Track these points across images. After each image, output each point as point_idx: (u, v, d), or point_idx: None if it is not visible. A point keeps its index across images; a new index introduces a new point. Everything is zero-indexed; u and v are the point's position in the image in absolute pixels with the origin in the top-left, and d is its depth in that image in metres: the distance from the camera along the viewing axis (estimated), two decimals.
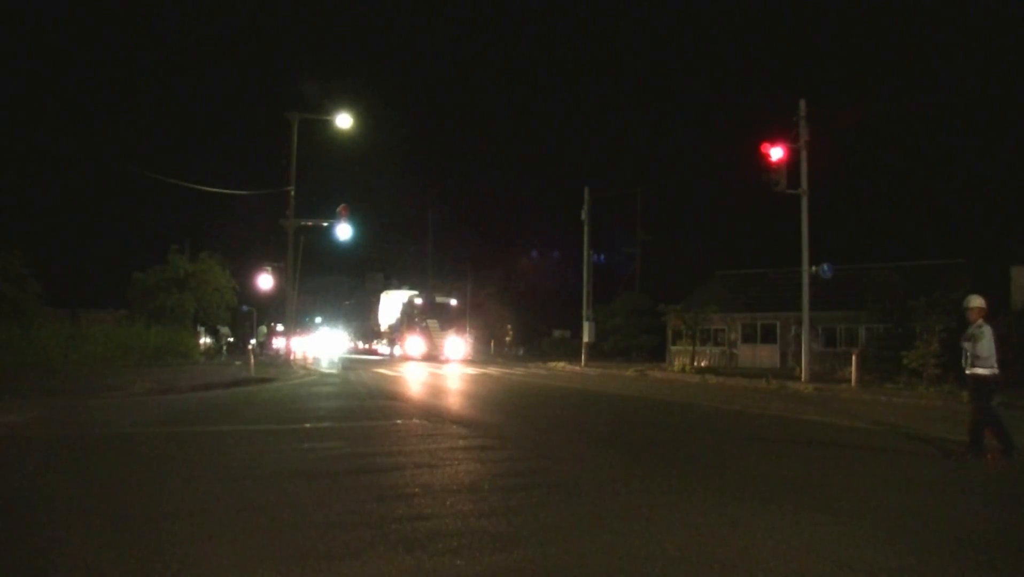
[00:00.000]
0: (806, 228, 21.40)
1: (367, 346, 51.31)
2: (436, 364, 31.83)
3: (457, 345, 36.76)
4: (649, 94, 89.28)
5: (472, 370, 27.49)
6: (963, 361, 8.39)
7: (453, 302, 40.77)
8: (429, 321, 37.97)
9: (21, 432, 9.75)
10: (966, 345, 8.30)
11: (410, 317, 39.53)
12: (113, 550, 4.50)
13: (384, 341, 46.05)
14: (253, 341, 36.87)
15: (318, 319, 74.19)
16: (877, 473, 7.54)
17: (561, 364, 32.52)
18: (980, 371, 8.20)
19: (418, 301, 40.21)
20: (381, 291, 52.40)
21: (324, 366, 30.57)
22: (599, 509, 5.64)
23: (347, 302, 61.91)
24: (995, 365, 8.19)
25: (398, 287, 48.86)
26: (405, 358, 37.43)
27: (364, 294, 58.47)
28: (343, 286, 69.53)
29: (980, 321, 8.30)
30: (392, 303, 44.90)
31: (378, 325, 47.34)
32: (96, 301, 43.14)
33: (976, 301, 8.40)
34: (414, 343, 38.06)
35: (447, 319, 38.62)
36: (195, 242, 35.71)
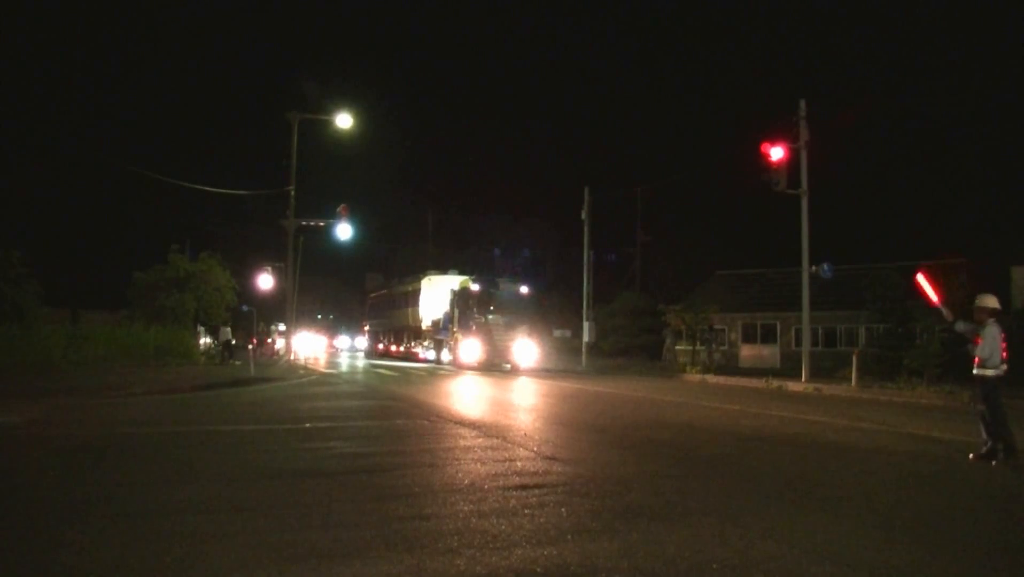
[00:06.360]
0: (806, 228, 21.43)
1: (401, 348, 40.33)
2: (501, 375, 24.90)
3: (528, 349, 28.40)
4: (649, 94, 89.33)
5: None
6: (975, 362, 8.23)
7: (524, 290, 30.75)
8: (490, 316, 28.77)
9: (21, 432, 9.76)
10: (970, 347, 8.22)
11: (463, 311, 29.56)
12: (113, 550, 4.50)
13: (426, 342, 35.54)
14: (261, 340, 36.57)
15: (331, 316, 71.65)
16: (877, 473, 7.54)
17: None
18: (987, 372, 8.18)
19: (474, 288, 29.89)
20: (386, 288, 45.52)
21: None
22: (599, 509, 5.64)
23: (373, 294, 49.74)
24: (999, 365, 8.10)
25: (444, 272, 37.01)
26: (457, 366, 28.87)
27: (388, 287, 46.58)
28: (347, 284, 67.43)
29: (989, 321, 8.16)
30: (438, 292, 34.26)
31: (418, 321, 36.27)
32: (96, 301, 42.82)
33: (991, 301, 8.23)
34: (469, 346, 28.56)
35: (516, 313, 29.17)
36: (195, 242, 35.72)
